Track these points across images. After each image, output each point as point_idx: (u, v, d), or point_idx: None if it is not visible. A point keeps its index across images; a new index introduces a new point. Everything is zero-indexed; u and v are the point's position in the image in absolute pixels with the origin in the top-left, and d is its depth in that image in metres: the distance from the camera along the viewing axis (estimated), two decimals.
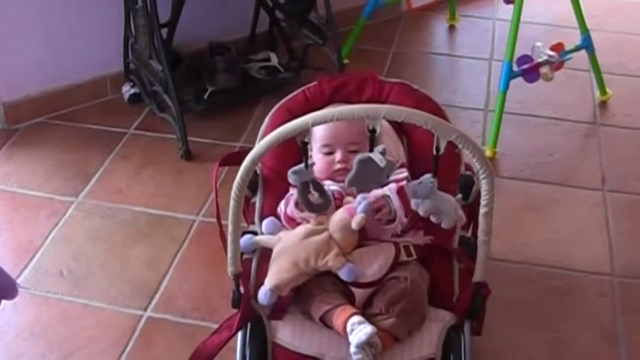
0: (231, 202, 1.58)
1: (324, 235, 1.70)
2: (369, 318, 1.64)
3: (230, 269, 1.67)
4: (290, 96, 2.09)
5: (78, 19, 3.08)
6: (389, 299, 1.66)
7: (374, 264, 1.71)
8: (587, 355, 2.23)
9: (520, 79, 2.98)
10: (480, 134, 3.11)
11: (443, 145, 1.54)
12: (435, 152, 1.57)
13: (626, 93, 3.40)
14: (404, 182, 1.75)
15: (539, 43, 3.00)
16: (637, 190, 2.85)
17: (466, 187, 1.88)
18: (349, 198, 1.77)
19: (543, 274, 2.48)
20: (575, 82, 3.43)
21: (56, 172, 2.87)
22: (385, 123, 1.97)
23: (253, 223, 1.92)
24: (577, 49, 3.15)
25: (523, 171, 2.94)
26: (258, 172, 1.96)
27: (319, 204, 1.72)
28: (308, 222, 1.75)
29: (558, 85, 3.18)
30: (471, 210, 1.84)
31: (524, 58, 2.97)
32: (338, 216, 1.71)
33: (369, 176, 1.68)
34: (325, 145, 1.89)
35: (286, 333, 1.70)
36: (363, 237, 1.74)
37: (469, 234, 1.90)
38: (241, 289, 1.70)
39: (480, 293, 1.70)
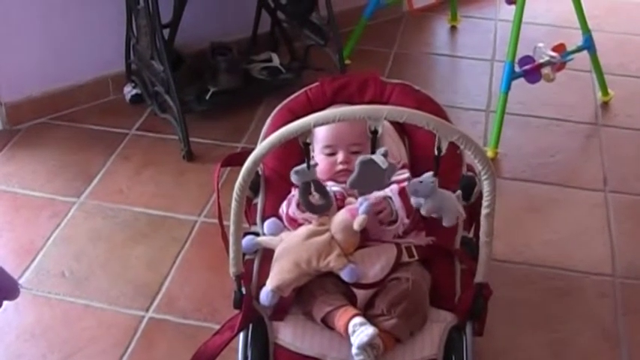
0: (233, 203, 1.58)
1: (326, 235, 1.70)
2: (370, 319, 1.64)
3: (232, 270, 1.67)
4: (292, 97, 2.09)
5: (79, 19, 3.08)
6: (390, 300, 1.66)
7: (376, 265, 1.71)
8: (588, 355, 2.23)
9: (522, 79, 2.98)
10: (482, 135, 3.10)
11: (444, 146, 1.54)
12: (436, 152, 1.57)
13: (628, 94, 3.40)
14: (405, 183, 1.75)
15: (540, 44, 3.00)
16: (638, 191, 2.85)
17: (468, 187, 1.88)
18: (351, 199, 1.77)
19: (545, 275, 2.48)
20: (577, 83, 3.43)
21: (58, 173, 2.88)
22: (387, 124, 1.97)
23: (255, 224, 1.92)
24: (579, 49, 3.15)
25: (525, 172, 2.94)
26: (260, 173, 1.96)
27: (320, 205, 1.72)
28: (310, 223, 1.75)
29: (560, 86, 3.18)
30: (473, 211, 1.84)
31: (526, 59, 2.97)
32: (340, 217, 1.71)
33: (370, 178, 1.68)
34: (327, 146, 1.89)
35: (288, 334, 1.70)
36: (365, 238, 1.74)
37: (471, 235, 1.90)
38: (243, 289, 1.70)
39: (481, 294, 1.69)
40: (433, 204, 1.69)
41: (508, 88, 2.95)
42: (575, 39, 3.17)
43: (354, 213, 1.70)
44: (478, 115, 3.24)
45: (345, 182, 1.74)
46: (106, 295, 2.38)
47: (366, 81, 2.09)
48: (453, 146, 1.53)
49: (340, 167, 1.86)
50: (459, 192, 1.81)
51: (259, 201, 1.94)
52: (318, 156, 1.89)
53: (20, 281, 2.39)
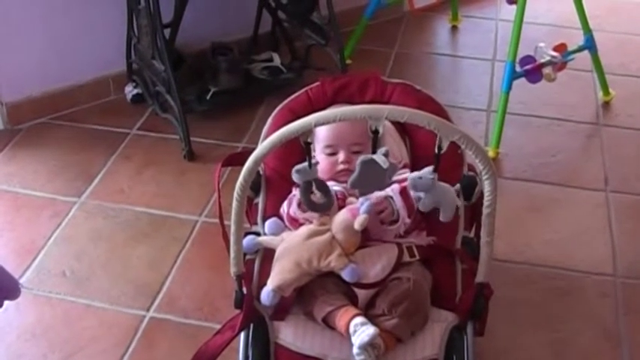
0: (234, 203, 1.58)
1: (327, 235, 1.70)
2: (371, 319, 1.63)
3: (233, 270, 1.67)
4: (293, 96, 2.09)
5: (80, 19, 3.08)
6: (392, 300, 1.66)
7: (377, 265, 1.71)
8: (589, 355, 2.23)
9: (523, 79, 2.98)
10: (483, 135, 3.10)
11: (445, 146, 1.54)
12: (436, 150, 1.56)
13: (629, 93, 3.40)
14: (406, 182, 1.74)
15: (541, 44, 3.00)
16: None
17: (469, 187, 1.88)
18: (352, 198, 1.77)
19: (546, 275, 2.48)
20: (578, 83, 3.43)
21: (59, 173, 2.88)
22: (388, 123, 1.97)
23: (256, 223, 1.92)
24: (580, 49, 3.15)
25: (526, 172, 2.94)
26: (261, 172, 1.96)
27: (322, 203, 1.72)
28: (311, 222, 1.75)
29: (561, 86, 3.18)
30: (474, 210, 1.84)
31: (527, 59, 2.97)
32: (341, 216, 1.71)
33: (371, 178, 1.68)
34: (328, 146, 1.89)
35: (289, 334, 1.70)
36: (366, 238, 1.74)
37: (472, 235, 1.90)
38: (244, 289, 1.70)
39: (482, 294, 1.69)
40: (431, 199, 1.69)
41: (509, 87, 2.95)
42: (577, 39, 3.17)
43: (355, 213, 1.70)
44: (479, 115, 3.24)
45: (346, 182, 1.74)
46: (107, 295, 2.38)
47: (367, 81, 2.09)
48: (454, 146, 1.53)
49: (341, 167, 1.86)
50: (457, 185, 1.82)
51: (260, 201, 1.94)
52: (319, 156, 1.89)
53: (21, 281, 2.39)
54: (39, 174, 2.87)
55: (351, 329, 1.60)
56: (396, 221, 1.75)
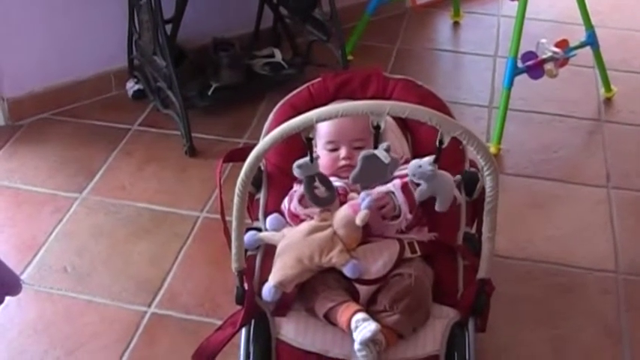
0: (235, 199, 1.58)
1: (328, 231, 1.70)
2: (373, 315, 1.63)
3: (234, 265, 1.67)
4: (294, 92, 2.09)
5: (81, 14, 3.07)
6: (393, 296, 1.66)
7: (378, 261, 1.70)
8: (590, 352, 2.23)
9: (524, 75, 2.97)
10: (485, 131, 3.10)
11: (447, 141, 1.53)
12: (437, 145, 1.56)
13: (631, 90, 3.39)
14: (408, 178, 1.74)
15: (543, 40, 3.00)
16: None
17: (470, 183, 1.88)
18: (353, 194, 1.77)
19: (547, 271, 2.48)
20: (580, 79, 3.43)
21: (60, 169, 2.88)
22: (390, 119, 1.97)
23: (257, 219, 1.92)
24: (582, 45, 3.14)
25: (527, 168, 2.93)
26: (262, 168, 1.96)
27: (325, 197, 1.72)
28: (312, 218, 1.75)
29: (563, 82, 3.17)
30: (475, 206, 1.84)
31: (529, 55, 2.97)
32: (342, 212, 1.71)
33: (373, 173, 1.67)
34: (330, 142, 1.89)
35: (290, 329, 1.70)
36: (367, 233, 1.74)
37: (473, 231, 1.90)
38: (245, 285, 1.70)
39: (484, 290, 1.69)
40: (429, 188, 1.68)
41: (511, 83, 2.95)
42: (578, 35, 3.17)
43: (356, 209, 1.69)
44: (481, 111, 3.24)
45: (347, 178, 1.74)
46: (109, 291, 2.38)
47: (369, 76, 2.08)
48: (455, 142, 1.53)
49: (343, 163, 1.86)
50: (458, 177, 1.82)
51: (261, 196, 1.94)
52: (321, 151, 1.89)
53: (22, 277, 2.39)
54: (40, 170, 2.87)
55: (353, 325, 1.60)
56: (397, 217, 1.75)
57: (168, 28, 2.92)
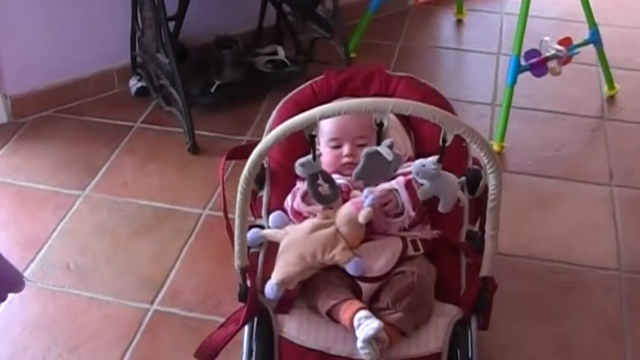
0: (238, 196, 1.58)
1: (331, 229, 1.70)
2: (375, 312, 1.63)
3: (237, 263, 1.66)
4: (297, 90, 2.08)
5: (84, 11, 3.07)
6: (396, 294, 1.66)
7: (381, 258, 1.70)
8: (592, 350, 2.23)
9: (528, 73, 2.97)
10: (488, 128, 3.10)
11: (450, 139, 1.53)
12: (441, 143, 1.56)
13: (634, 88, 3.39)
14: (411, 175, 1.74)
15: (547, 38, 3.00)
16: None
17: (473, 181, 1.88)
18: (356, 192, 1.77)
19: (550, 269, 2.48)
20: (583, 77, 3.43)
21: (62, 166, 2.88)
22: (392, 117, 1.97)
23: (260, 216, 1.92)
24: (585, 43, 3.14)
25: (530, 165, 2.93)
26: (265, 165, 1.95)
27: (328, 195, 1.72)
28: (315, 216, 1.75)
29: (566, 80, 3.17)
30: (478, 204, 1.84)
31: (532, 53, 2.96)
32: (345, 210, 1.71)
33: (376, 170, 1.67)
34: (333, 139, 1.89)
35: (293, 327, 1.69)
36: (370, 231, 1.74)
37: (476, 228, 1.89)
38: (248, 282, 1.70)
39: (486, 288, 1.69)
40: (432, 188, 1.68)
41: (514, 81, 2.94)
42: (582, 33, 3.16)
43: (359, 206, 1.69)
44: (484, 109, 3.24)
45: (350, 175, 1.74)
46: (111, 288, 2.38)
47: (372, 74, 2.08)
48: (458, 139, 1.53)
49: (346, 160, 1.86)
50: (463, 178, 1.81)
51: (264, 194, 1.94)
52: (324, 149, 1.89)
53: (25, 274, 2.39)
54: (43, 167, 2.87)
55: (355, 323, 1.60)
56: (400, 214, 1.74)
57: (171, 25, 2.91)
